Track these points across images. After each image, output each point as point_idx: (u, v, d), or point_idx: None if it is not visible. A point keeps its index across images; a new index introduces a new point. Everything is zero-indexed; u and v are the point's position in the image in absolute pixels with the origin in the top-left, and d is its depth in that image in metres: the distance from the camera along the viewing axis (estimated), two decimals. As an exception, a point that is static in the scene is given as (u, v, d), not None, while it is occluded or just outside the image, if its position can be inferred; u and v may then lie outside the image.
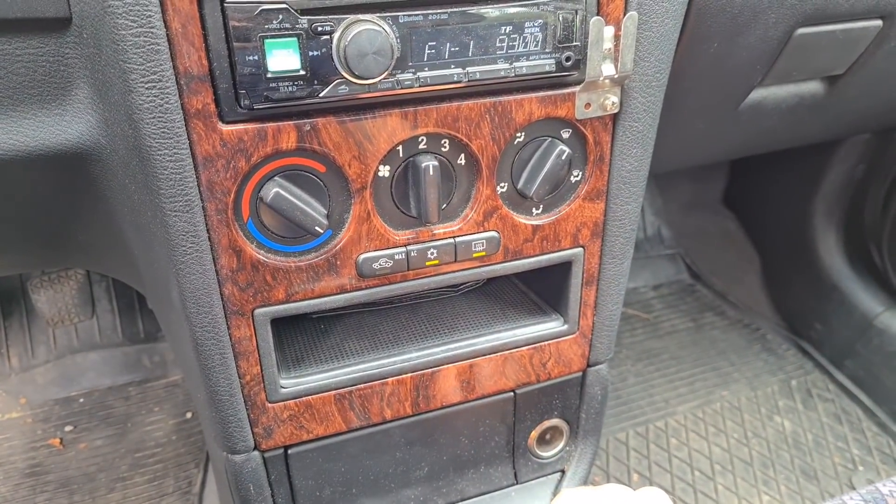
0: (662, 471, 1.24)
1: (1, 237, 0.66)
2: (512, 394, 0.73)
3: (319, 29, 0.49)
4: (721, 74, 0.73)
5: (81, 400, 1.32)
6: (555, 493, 0.79)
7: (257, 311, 0.57)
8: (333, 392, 0.64)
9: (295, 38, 0.48)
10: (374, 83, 0.51)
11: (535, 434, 0.77)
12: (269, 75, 0.49)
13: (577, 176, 0.63)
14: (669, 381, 1.47)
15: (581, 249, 0.66)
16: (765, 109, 0.85)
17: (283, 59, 0.49)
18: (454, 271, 0.63)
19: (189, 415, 1.31)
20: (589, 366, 0.74)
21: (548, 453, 0.79)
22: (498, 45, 0.54)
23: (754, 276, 1.77)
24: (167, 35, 0.46)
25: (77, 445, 1.25)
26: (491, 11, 0.53)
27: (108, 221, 0.62)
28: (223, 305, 0.56)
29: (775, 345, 1.58)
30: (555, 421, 0.77)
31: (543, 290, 0.72)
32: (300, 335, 0.68)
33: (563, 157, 0.60)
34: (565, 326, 0.70)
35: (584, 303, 0.70)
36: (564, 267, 0.67)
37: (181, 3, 0.46)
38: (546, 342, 0.70)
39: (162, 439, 1.27)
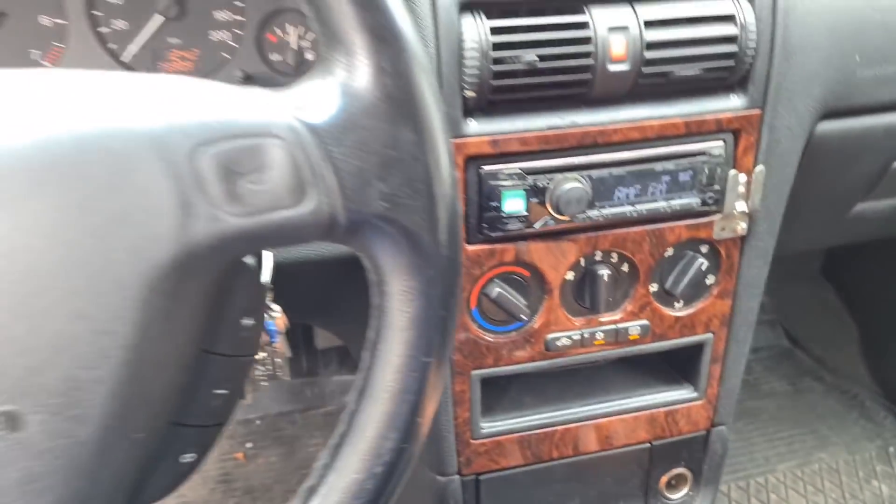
0: (763, 523, 1.38)
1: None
2: (648, 445, 0.92)
3: (539, 185, 0.71)
4: (826, 197, 0.92)
5: (258, 422, 1.59)
6: None
7: (473, 373, 0.80)
8: (517, 435, 0.85)
9: (523, 191, 0.71)
10: (571, 218, 0.73)
11: (664, 479, 0.95)
12: (503, 215, 0.71)
13: (711, 280, 0.83)
14: (769, 440, 1.59)
15: (711, 335, 0.86)
16: (868, 217, 1.02)
17: (513, 204, 0.71)
18: (614, 349, 0.83)
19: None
20: (713, 426, 0.93)
21: (674, 496, 0.97)
22: (659, 188, 0.75)
23: (852, 345, 1.86)
24: None
25: (256, 460, 1.51)
26: (656, 166, 0.74)
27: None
28: (451, 367, 0.79)
29: (873, 412, 1.67)
30: (681, 469, 0.95)
31: (679, 363, 0.91)
32: (493, 389, 0.90)
33: (702, 268, 0.80)
34: (695, 394, 0.89)
35: (711, 376, 0.89)
36: (697, 347, 0.86)
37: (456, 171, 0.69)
38: (679, 405, 0.89)
39: (323, 460, 1.51)
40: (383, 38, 0.37)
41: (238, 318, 0.42)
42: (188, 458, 0.44)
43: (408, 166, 0.38)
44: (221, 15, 0.76)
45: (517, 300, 0.76)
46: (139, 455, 0.40)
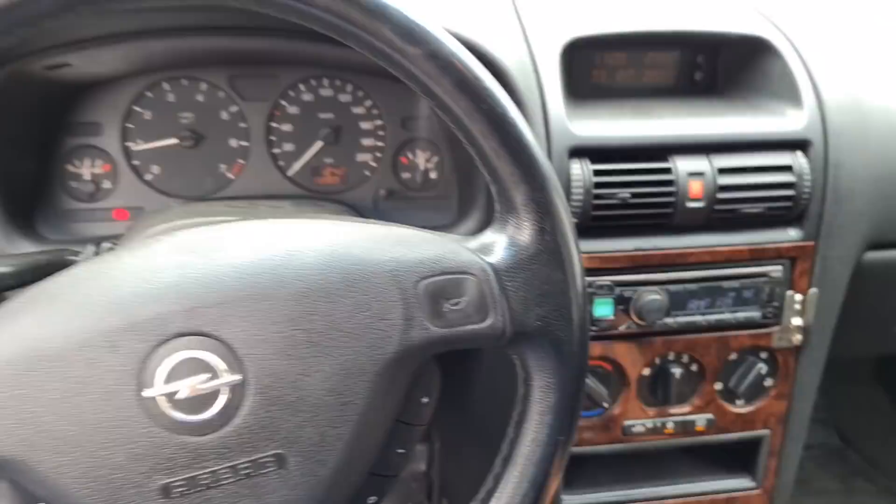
0: None
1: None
2: (709, 527, 1.02)
3: (625, 295, 0.86)
4: (874, 314, 1.03)
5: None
6: None
7: (561, 450, 0.92)
8: (594, 509, 0.97)
9: (611, 300, 0.86)
10: (650, 324, 0.87)
11: (723, 562, 1.05)
12: (594, 318, 0.86)
13: (769, 383, 0.95)
14: (821, 538, 1.64)
15: (769, 431, 0.97)
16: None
17: (603, 310, 0.86)
18: (681, 438, 0.95)
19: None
20: (768, 514, 1.03)
21: (732, 579, 1.06)
22: (726, 302, 0.89)
23: (905, 447, 1.90)
24: None
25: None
26: (724, 284, 0.88)
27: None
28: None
29: (926, 516, 1.70)
30: (739, 554, 1.04)
31: (739, 455, 1.02)
32: (573, 467, 1.01)
33: (762, 372, 0.92)
34: (753, 484, 1.00)
35: (768, 468, 0.99)
36: (756, 442, 0.98)
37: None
38: (738, 493, 1.00)
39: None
40: (546, 210, 0.52)
41: (420, 397, 0.57)
42: (372, 500, 0.58)
43: (557, 298, 0.53)
44: (367, 142, 0.95)
45: (600, 390, 0.90)
46: (349, 493, 0.54)
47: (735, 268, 0.87)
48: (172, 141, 0.90)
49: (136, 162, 0.90)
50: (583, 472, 1.01)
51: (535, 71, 0.83)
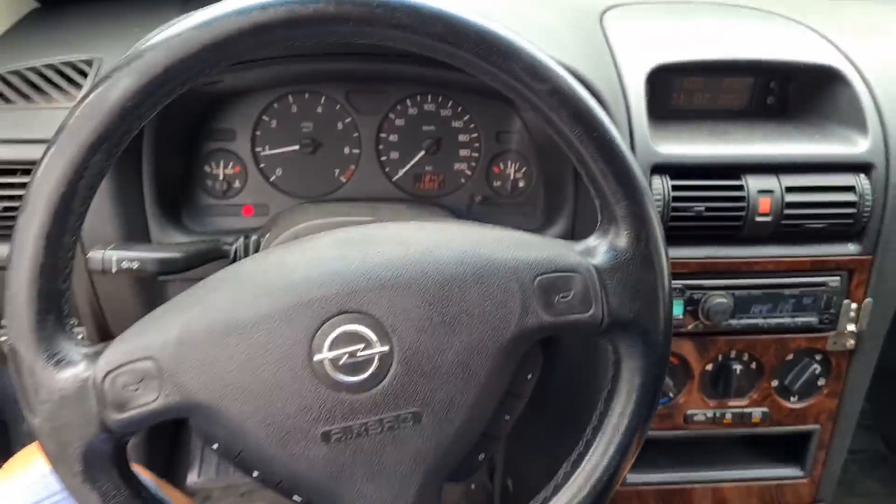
0: None
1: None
2: (758, 511, 1.12)
3: (695, 298, 0.96)
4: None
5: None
6: None
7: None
8: (653, 487, 1.07)
9: (682, 301, 0.96)
10: (716, 324, 0.97)
11: (769, 543, 1.14)
12: (665, 317, 0.96)
13: (822, 382, 1.03)
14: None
15: (819, 426, 1.06)
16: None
17: (674, 309, 0.96)
18: (738, 429, 1.05)
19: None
20: (814, 502, 1.11)
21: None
22: (786, 307, 0.98)
23: (950, 454, 1.95)
24: None
25: None
26: (785, 291, 0.97)
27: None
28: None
29: (967, 523, 1.75)
30: (785, 537, 1.14)
31: (790, 446, 1.11)
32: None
33: (816, 372, 1.01)
34: (801, 473, 1.09)
35: (816, 459, 1.08)
36: (807, 435, 1.07)
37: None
38: (787, 481, 1.09)
39: None
40: (642, 222, 0.63)
41: (526, 374, 0.69)
42: (481, 456, 0.70)
43: (648, 295, 0.63)
44: (464, 152, 1.06)
45: (667, 381, 1.00)
46: (466, 449, 0.66)
47: (796, 277, 0.96)
48: (294, 147, 1.03)
49: (262, 165, 1.03)
50: (644, 454, 1.11)
51: (624, 94, 0.93)
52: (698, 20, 1.06)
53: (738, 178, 0.92)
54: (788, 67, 1.00)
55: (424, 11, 0.56)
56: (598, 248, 0.63)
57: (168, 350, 0.57)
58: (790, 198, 0.92)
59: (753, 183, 0.92)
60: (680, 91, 1.03)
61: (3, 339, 0.89)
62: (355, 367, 0.58)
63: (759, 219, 0.92)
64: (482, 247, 0.61)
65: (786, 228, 0.94)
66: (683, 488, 1.08)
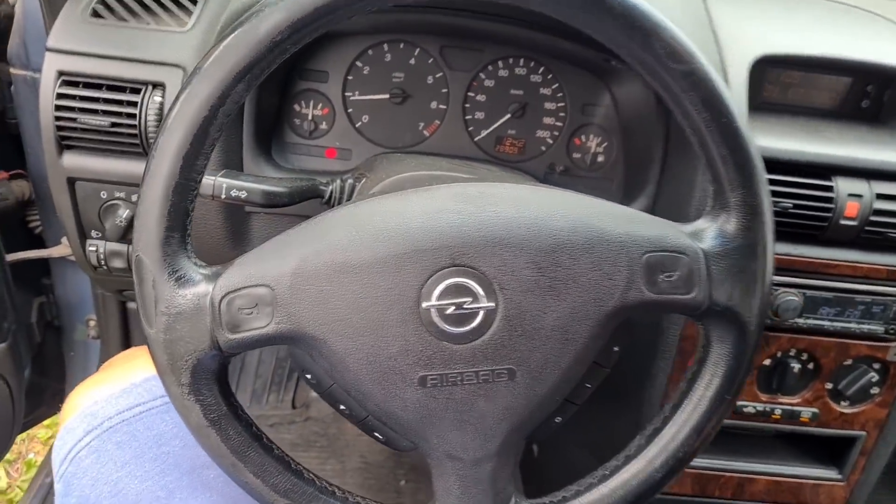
0: None
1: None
2: (790, 507, 1.14)
3: (766, 292, 0.96)
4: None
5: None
6: None
7: (675, 416, 1.05)
8: (693, 471, 1.10)
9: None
10: (783, 320, 0.97)
11: (796, 539, 1.17)
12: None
13: (876, 391, 1.04)
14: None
15: (865, 433, 1.07)
16: None
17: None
18: (785, 425, 1.06)
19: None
20: (847, 505, 1.14)
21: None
22: (855, 313, 0.98)
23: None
24: None
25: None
26: (856, 297, 0.97)
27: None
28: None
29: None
30: (812, 535, 1.16)
31: (833, 449, 1.13)
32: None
33: (872, 380, 1.02)
34: (839, 476, 1.11)
35: (856, 465, 1.10)
36: (851, 440, 1.08)
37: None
38: (824, 482, 1.11)
39: None
40: (755, 212, 0.63)
41: (613, 346, 0.70)
42: (558, 419, 0.72)
43: (749, 282, 0.64)
44: (548, 120, 1.06)
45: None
46: (550, 411, 0.68)
47: (870, 284, 0.96)
48: (384, 96, 1.03)
49: (350, 110, 1.04)
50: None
51: (726, 81, 0.92)
52: (805, 13, 1.04)
53: (829, 178, 0.92)
54: (891, 72, 0.99)
55: None
56: (707, 233, 0.64)
57: (284, 280, 0.59)
58: (879, 205, 0.92)
59: (843, 185, 0.92)
60: (775, 84, 1.02)
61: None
62: (460, 318, 0.60)
63: (844, 222, 0.92)
64: (595, 218, 0.62)
65: (869, 235, 0.93)
66: (720, 475, 1.10)
